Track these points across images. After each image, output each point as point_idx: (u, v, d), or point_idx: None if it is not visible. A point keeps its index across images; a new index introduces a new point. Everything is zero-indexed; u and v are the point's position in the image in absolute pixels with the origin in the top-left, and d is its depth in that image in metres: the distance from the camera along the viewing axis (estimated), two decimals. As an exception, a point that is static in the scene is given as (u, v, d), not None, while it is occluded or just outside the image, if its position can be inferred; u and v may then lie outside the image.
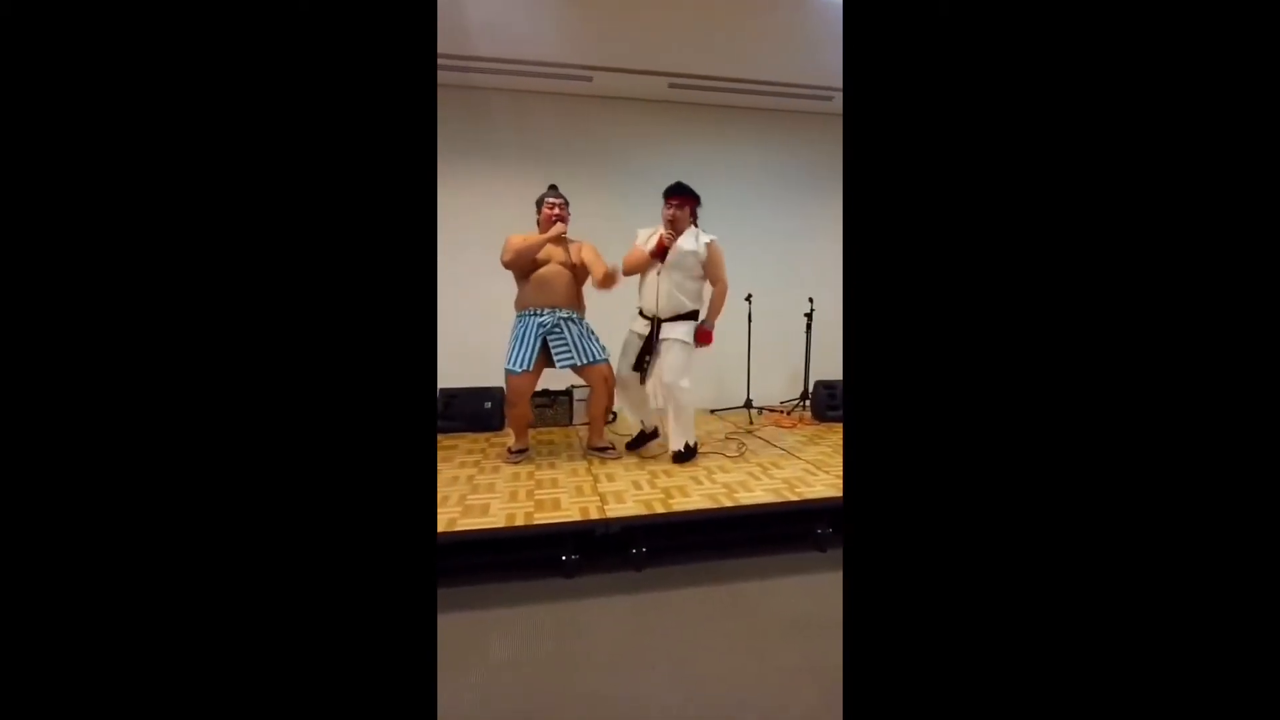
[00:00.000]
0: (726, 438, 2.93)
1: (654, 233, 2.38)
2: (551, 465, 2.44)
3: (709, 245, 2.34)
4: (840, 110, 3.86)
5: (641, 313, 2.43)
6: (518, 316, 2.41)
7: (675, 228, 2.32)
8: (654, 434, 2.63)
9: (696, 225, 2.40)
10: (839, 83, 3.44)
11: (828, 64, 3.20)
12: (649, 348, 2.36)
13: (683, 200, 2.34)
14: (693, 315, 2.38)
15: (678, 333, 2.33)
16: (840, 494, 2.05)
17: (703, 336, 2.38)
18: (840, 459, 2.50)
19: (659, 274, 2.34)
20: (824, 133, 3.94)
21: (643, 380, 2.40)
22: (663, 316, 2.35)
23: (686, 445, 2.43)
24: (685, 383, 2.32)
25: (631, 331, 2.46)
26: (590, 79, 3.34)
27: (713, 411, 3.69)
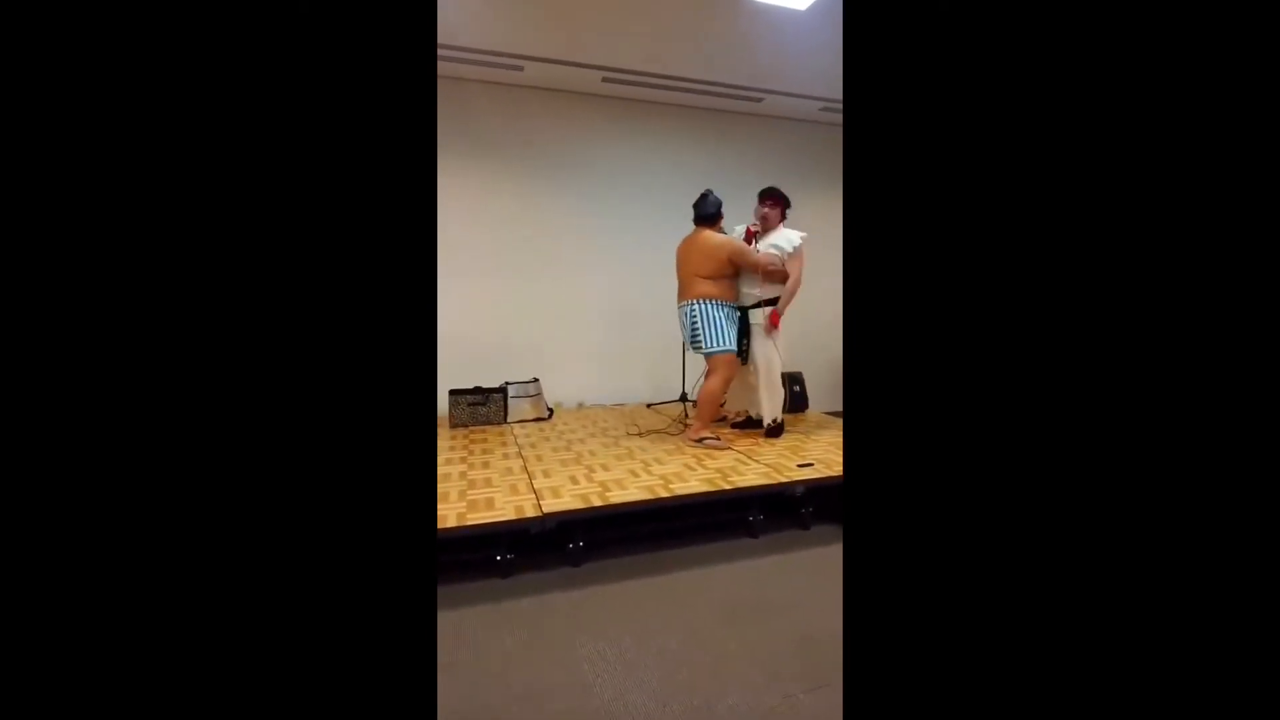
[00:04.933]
0: (665, 430, 2.97)
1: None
2: (485, 465, 2.38)
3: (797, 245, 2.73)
4: (771, 112, 4.00)
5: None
6: (731, 307, 2.69)
7: (766, 225, 2.79)
8: (758, 421, 2.88)
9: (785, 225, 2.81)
10: (770, 85, 3.56)
11: (760, 66, 3.30)
12: (745, 332, 2.76)
13: (774, 201, 2.79)
14: (773, 302, 2.73)
15: (761, 317, 2.72)
16: (768, 482, 2.13)
17: (772, 317, 2.70)
18: (768, 449, 2.60)
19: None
20: (754, 133, 4.07)
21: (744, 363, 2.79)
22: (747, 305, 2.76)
23: (775, 420, 2.79)
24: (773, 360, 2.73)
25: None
26: (522, 69, 3.27)
27: (649, 405, 3.73)
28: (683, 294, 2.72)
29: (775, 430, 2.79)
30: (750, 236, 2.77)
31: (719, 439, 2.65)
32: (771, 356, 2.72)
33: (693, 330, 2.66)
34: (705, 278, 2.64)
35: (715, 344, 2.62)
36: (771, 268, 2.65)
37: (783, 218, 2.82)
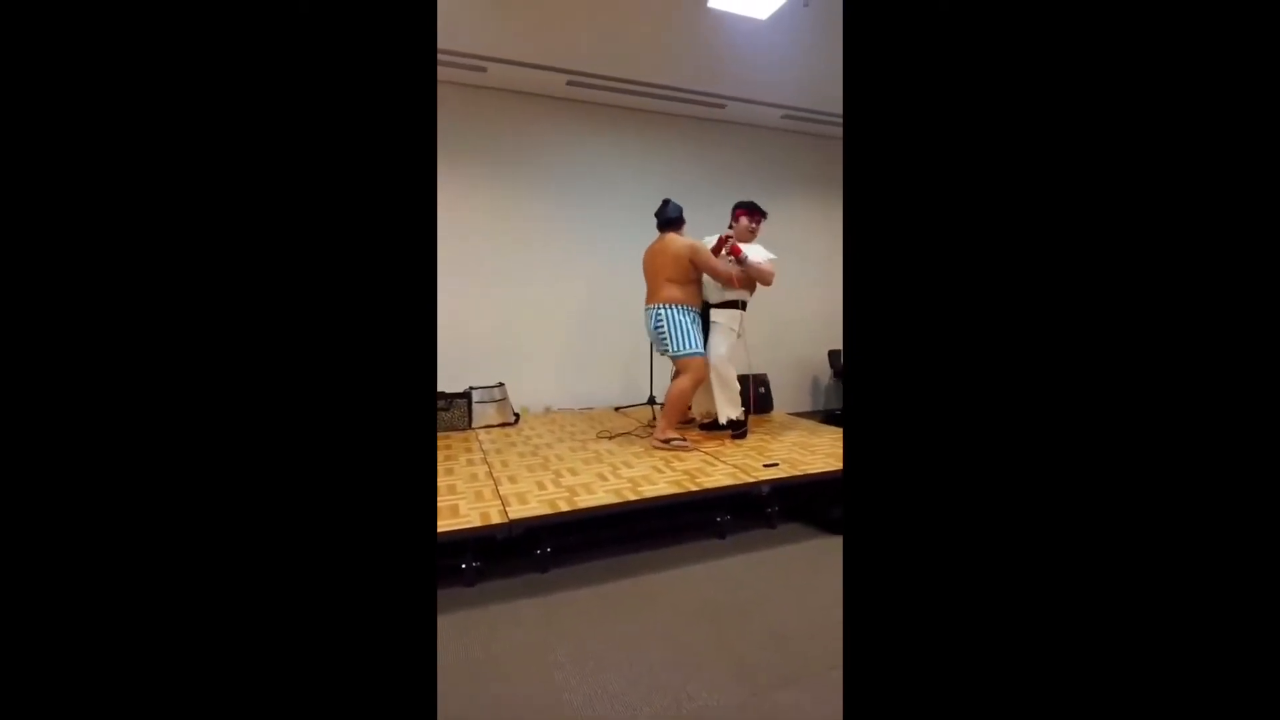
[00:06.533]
0: (634, 433, 2.97)
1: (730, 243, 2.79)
2: (449, 472, 2.32)
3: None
4: (733, 119, 4.07)
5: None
6: (695, 311, 2.74)
7: (740, 237, 2.80)
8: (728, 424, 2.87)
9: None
10: (732, 92, 3.62)
11: (722, 73, 3.35)
12: (704, 329, 2.79)
13: (757, 215, 2.85)
14: (733, 304, 2.78)
15: (722, 317, 2.78)
16: (735, 482, 2.16)
17: (734, 249, 2.69)
18: (734, 450, 2.63)
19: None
20: (716, 139, 4.12)
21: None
22: (712, 302, 2.80)
23: (732, 419, 2.81)
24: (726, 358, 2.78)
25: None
26: (485, 69, 3.23)
27: (618, 409, 3.72)
28: (649, 297, 2.76)
29: (740, 431, 2.82)
30: (722, 244, 2.75)
31: (685, 440, 2.66)
32: (724, 355, 2.76)
33: (659, 334, 2.70)
34: (671, 281, 2.69)
35: (683, 347, 2.66)
36: (728, 274, 2.69)
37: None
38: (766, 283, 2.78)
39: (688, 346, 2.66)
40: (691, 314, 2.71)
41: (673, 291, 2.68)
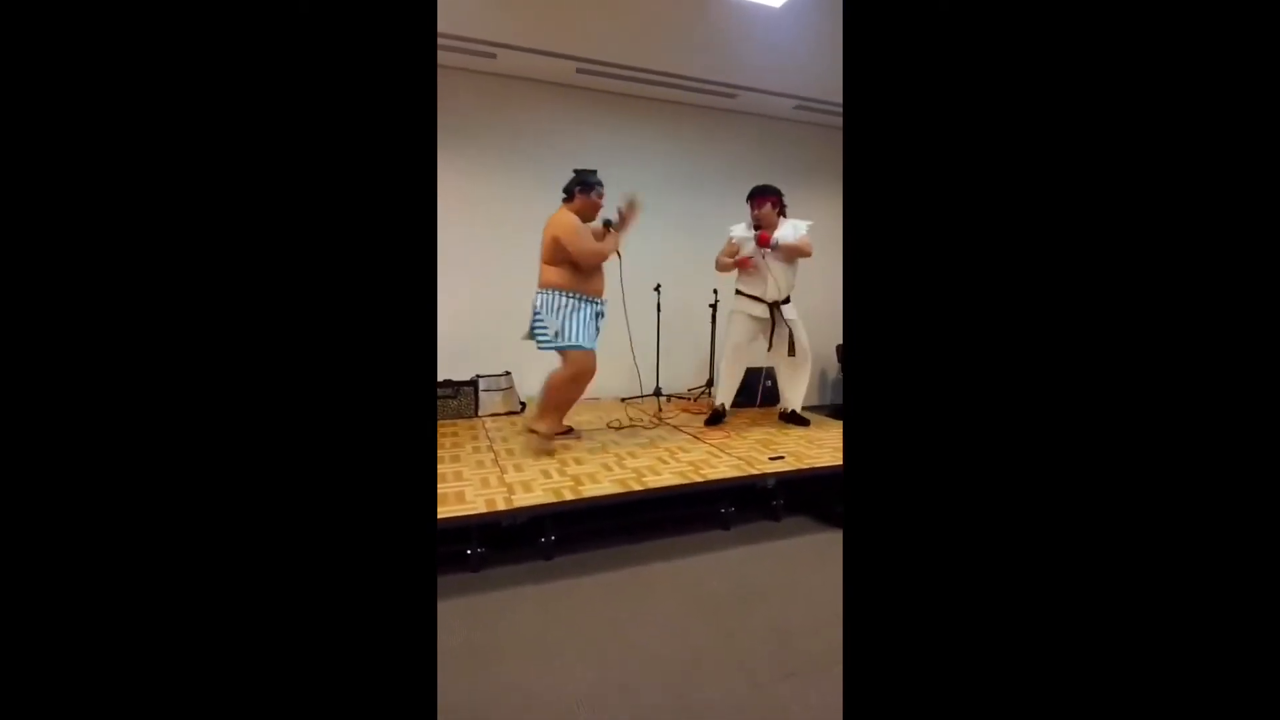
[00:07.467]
0: (640, 424, 2.97)
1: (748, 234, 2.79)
2: (455, 459, 2.34)
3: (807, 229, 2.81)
4: (744, 109, 4.02)
5: (755, 299, 2.84)
6: (579, 298, 2.36)
7: (765, 223, 2.75)
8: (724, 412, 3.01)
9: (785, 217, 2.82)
10: (743, 81, 3.57)
11: (733, 62, 3.31)
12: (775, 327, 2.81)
13: (763, 199, 2.75)
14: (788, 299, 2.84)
15: (793, 312, 2.84)
16: (740, 474, 2.16)
17: (762, 239, 2.73)
18: (741, 442, 2.63)
19: (767, 264, 2.75)
20: (727, 129, 4.08)
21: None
22: (781, 300, 2.80)
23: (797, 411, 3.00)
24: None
25: (745, 315, 2.85)
26: (495, 55, 3.21)
27: (623, 400, 3.72)
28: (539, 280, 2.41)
29: (795, 418, 2.96)
30: (763, 242, 2.71)
31: (573, 431, 2.64)
32: (808, 349, 2.88)
33: (533, 322, 2.34)
34: (547, 263, 2.35)
35: (563, 339, 2.30)
36: (597, 252, 2.36)
37: (781, 210, 2.84)
38: (807, 254, 2.77)
39: (570, 339, 2.30)
40: (573, 300, 2.32)
41: (551, 275, 2.32)
